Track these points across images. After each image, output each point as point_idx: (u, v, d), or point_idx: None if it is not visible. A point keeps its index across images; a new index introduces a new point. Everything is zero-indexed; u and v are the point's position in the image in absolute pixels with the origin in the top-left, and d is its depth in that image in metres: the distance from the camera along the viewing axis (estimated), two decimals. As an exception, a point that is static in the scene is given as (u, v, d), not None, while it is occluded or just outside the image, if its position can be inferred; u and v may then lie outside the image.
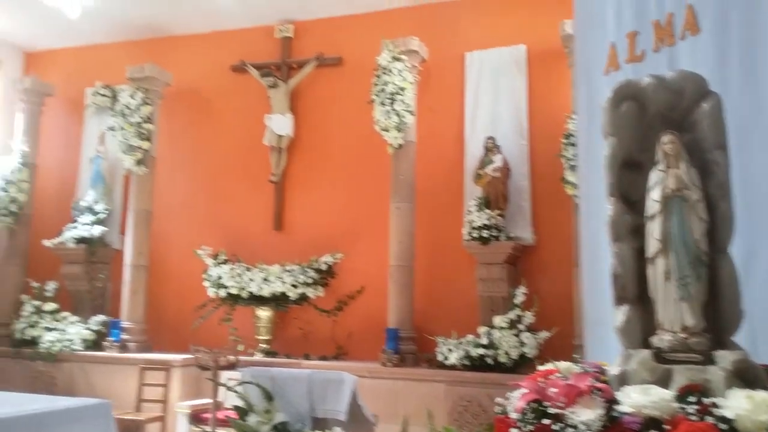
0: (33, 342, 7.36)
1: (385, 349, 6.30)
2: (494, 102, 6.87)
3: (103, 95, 7.94)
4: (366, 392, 4.96)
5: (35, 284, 7.71)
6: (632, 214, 2.18)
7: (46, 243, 7.67)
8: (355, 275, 7.03)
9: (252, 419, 2.91)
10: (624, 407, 1.81)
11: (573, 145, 5.86)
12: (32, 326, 7.48)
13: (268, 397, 2.90)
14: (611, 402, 1.83)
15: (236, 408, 2.96)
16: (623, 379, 2.04)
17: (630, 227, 2.17)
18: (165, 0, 7.35)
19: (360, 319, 6.96)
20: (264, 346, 7.05)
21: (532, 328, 5.96)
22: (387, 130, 6.54)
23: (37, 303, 7.62)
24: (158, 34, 8.09)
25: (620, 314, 2.19)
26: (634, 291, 2.17)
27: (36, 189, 8.13)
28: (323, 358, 6.77)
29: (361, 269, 7.03)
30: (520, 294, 6.08)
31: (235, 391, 2.99)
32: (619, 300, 2.20)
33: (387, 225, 6.67)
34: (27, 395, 4.31)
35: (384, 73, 6.54)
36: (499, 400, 2.07)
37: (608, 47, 3.48)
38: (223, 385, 3.05)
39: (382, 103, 6.50)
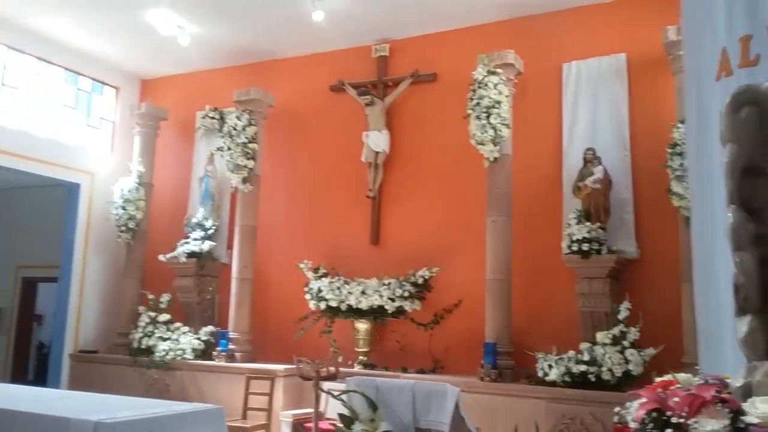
0: (149, 351, 7.83)
1: (483, 364, 6.26)
2: (593, 112, 6.76)
3: (212, 118, 8.40)
4: (464, 407, 4.95)
5: (151, 296, 8.21)
6: (754, 222, 2.11)
7: (161, 257, 8.15)
8: (451, 289, 7.06)
9: (357, 427, 2.98)
10: (750, 418, 1.76)
11: (679, 154, 5.68)
12: (148, 336, 7.96)
13: (373, 406, 2.97)
14: (737, 413, 1.78)
15: (341, 416, 3.05)
16: (747, 392, 1.97)
17: (752, 235, 2.10)
18: (268, 26, 7.72)
19: (457, 333, 6.96)
20: (362, 358, 7.18)
21: (636, 345, 5.76)
22: (483, 144, 6.55)
23: (152, 314, 8.11)
24: (262, 59, 8.50)
25: (743, 325, 2.12)
26: (758, 301, 2.10)
27: (151, 207, 8.69)
28: (420, 371, 6.81)
29: (457, 283, 7.05)
30: (624, 309, 5.89)
31: (341, 400, 3.08)
32: (742, 311, 2.13)
33: (483, 239, 6.65)
34: (147, 400, 4.61)
35: (479, 87, 6.57)
36: (617, 409, 2.05)
37: (719, 52, 3.36)
38: (332, 392, 3.15)
39: (478, 117, 6.52)
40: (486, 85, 6.53)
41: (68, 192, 8.66)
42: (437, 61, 7.63)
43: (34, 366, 11.11)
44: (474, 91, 6.59)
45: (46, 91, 8.27)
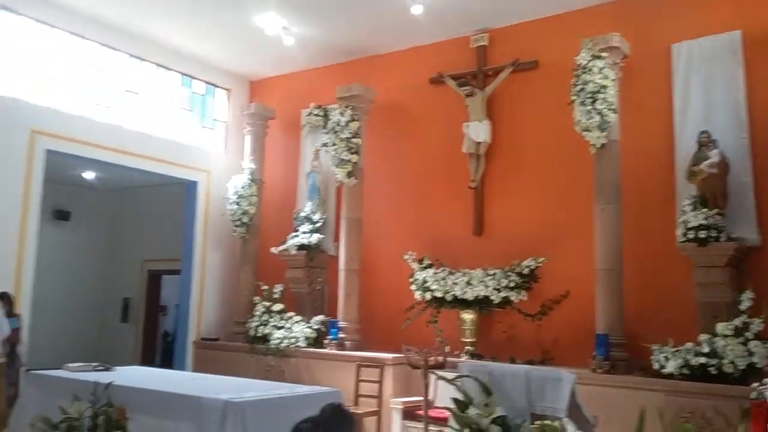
0: (264, 339, 8.26)
1: (595, 356, 6.14)
2: (707, 94, 6.44)
3: (316, 115, 8.70)
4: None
5: (265, 287, 8.64)
6: None
7: (273, 250, 8.56)
8: (559, 279, 6.96)
9: (471, 412, 3.04)
10: None
11: (806, 134, 5.32)
12: (264, 325, 8.39)
13: (487, 391, 3.02)
14: None
15: (455, 401, 3.12)
16: None
17: None
18: (367, 23, 7.89)
19: (566, 324, 6.87)
20: (469, 348, 7.22)
21: (761, 337, 5.47)
22: (588, 131, 6.40)
23: (267, 304, 8.54)
24: (362, 55, 8.70)
25: None
26: None
27: (263, 202, 9.12)
28: (529, 362, 6.73)
29: (565, 273, 6.95)
30: (746, 299, 5.60)
31: (455, 385, 3.16)
32: None
33: (591, 227, 6.51)
34: (270, 382, 4.92)
35: (583, 73, 6.41)
36: (755, 385, 2.01)
37: None
38: (446, 377, 3.23)
39: (583, 103, 6.38)
40: (590, 70, 6.37)
41: (187, 190, 9.25)
42: (538, 48, 7.51)
43: (160, 353, 11.94)
44: (578, 76, 6.44)
45: (164, 95, 8.86)
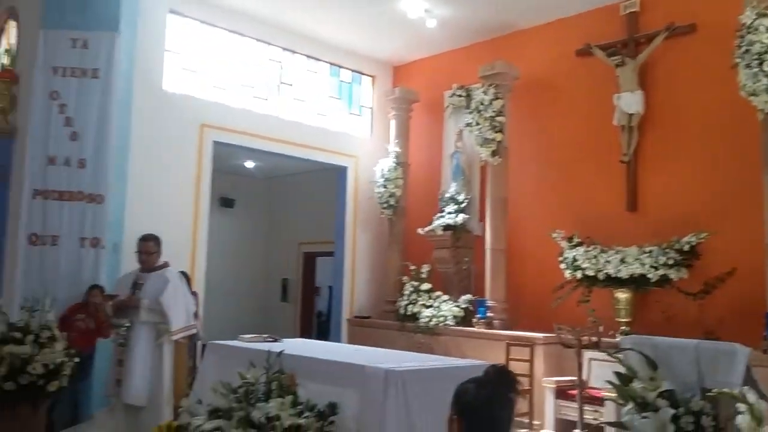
0: (414, 317, 8.50)
1: (766, 336, 5.72)
2: None
3: (459, 96, 8.75)
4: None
5: (412, 267, 8.88)
6: None
7: (419, 231, 8.75)
8: (723, 255, 6.51)
9: (636, 386, 2.98)
10: None
11: None
12: (412, 303, 8.64)
13: (652, 364, 2.94)
14: None
15: (618, 375, 3.08)
16: None
17: None
18: (508, -1, 7.80)
19: (732, 303, 6.42)
20: (624, 327, 6.97)
21: None
22: (755, 95, 5.91)
23: (415, 283, 8.77)
24: (504, 32, 8.60)
25: None
26: None
27: (408, 184, 9.34)
28: (691, 342, 6.43)
29: (730, 249, 6.49)
30: None
31: (617, 358, 3.11)
32: None
33: (759, 200, 6.03)
34: (426, 355, 5.12)
35: (748, 33, 5.92)
36: None
37: None
38: (612, 352, 3.18)
39: (748, 66, 5.89)
40: (756, 29, 5.86)
41: (337, 175, 9.68)
42: (695, 10, 7.03)
43: (315, 331, 12.63)
44: (742, 37, 5.96)
45: (314, 85, 9.31)
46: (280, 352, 3.92)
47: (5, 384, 5.45)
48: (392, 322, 8.78)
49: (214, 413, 3.96)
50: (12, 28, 8.01)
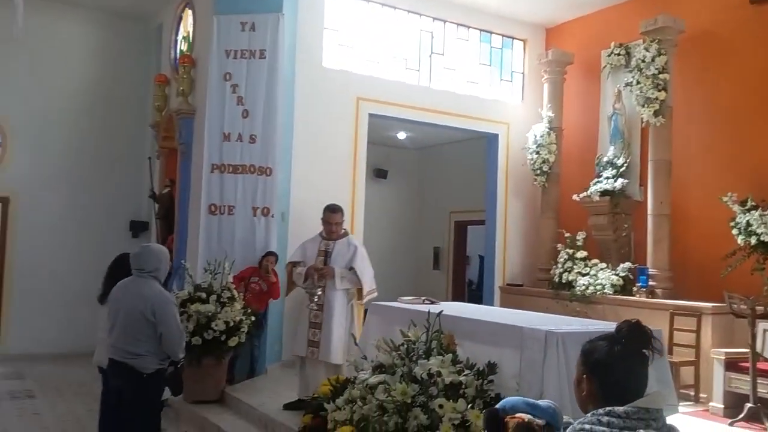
0: (569, 285, 8.35)
1: None
2: None
3: (618, 54, 8.34)
4: None
5: (567, 234, 8.69)
6: None
7: (575, 197, 8.53)
8: None
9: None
10: None
11: None
12: (567, 271, 8.47)
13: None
14: None
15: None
16: None
17: None
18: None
19: None
20: (807, 299, 6.41)
21: None
22: None
23: (569, 251, 8.59)
24: (667, -17, 8.04)
25: None
26: None
27: (562, 149, 9.11)
28: None
29: None
30: None
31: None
32: None
33: None
34: (587, 319, 5.10)
35: None
36: None
37: None
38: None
39: None
40: None
41: (488, 142, 9.64)
42: None
43: (467, 299, 12.78)
44: None
45: (465, 54, 9.29)
46: (440, 313, 4.09)
47: (192, 339, 6.15)
48: (546, 290, 8.68)
49: (378, 368, 4.23)
50: (188, 16, 8.79)
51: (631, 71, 7.76)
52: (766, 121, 7.14)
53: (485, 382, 3.74)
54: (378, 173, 12.39)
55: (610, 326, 4.18)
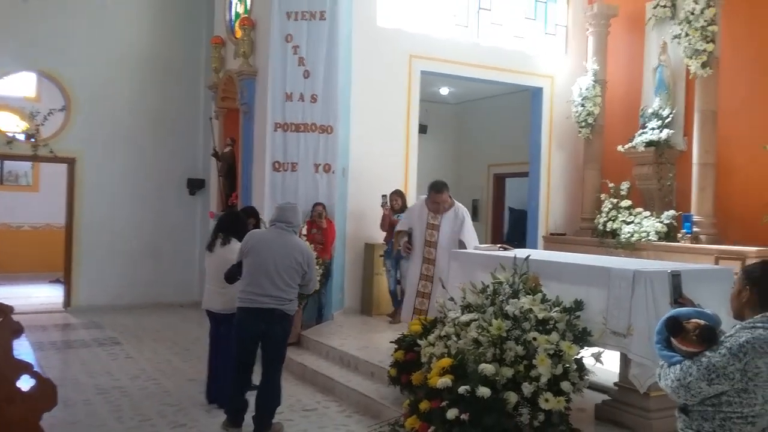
0: (613, 233, 8.70)
1: None
2: None
3: (664, 6, 8.47)
4: None
5: (611, 184, 9.00)
6: None
7: (620, 148, 8.80)
8: None
9: None
10: None
11: None
12: (612, 220, 8.81)
13: None
14: None
15: None
16: None
17: None
18: None
19: None
20: None
21: None
22: None
23: (613, 200, 8.91)
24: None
25: None
26: None
27: (606, 102, 9.34)
28: None
29: None
30: None
31: None
32: None
33: None
34: (666, 262, 5.45)
35: None
36: None
37: None
38: None
39: None
40: None
41: (533, 96, 9.88)
42: None
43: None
44: None
45: (511, 8, 9.43)
46: (528, 257, 4.49)
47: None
48: (590, 239, 9.04)
49: (467, 308, 4.65)
50: (242, -22, 9.01)
51: (679, 23, 7.92)
52: (813, 70, 7.34)
53: (573, 317, 4.15)
54: (420, 129, 12.62)
55: (689, 266, 4.57)
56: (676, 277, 2.62)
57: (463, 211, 6.17)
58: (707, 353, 2.16)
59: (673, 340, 2.27)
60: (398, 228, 6.48)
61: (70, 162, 9.85)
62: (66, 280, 10.03)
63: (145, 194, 10.27)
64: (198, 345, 7.55)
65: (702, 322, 2.27)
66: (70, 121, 9.80)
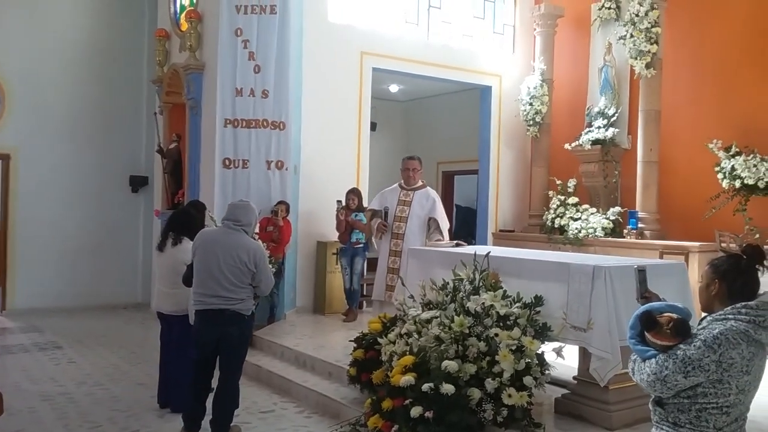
0: (561, 229, 8.88)
1: None
2: None
3: (609, 8, 8.69)
4: None
5: (558, 181, 9.19)
6: None
7: (566, 146, 8.98)
8: None
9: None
10: None
11: None
12: (559, 217, 8.99)
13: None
14: None
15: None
16: None
17: None
18: None
19: None
20: (786, 236, 7.06)
21: None
22: None
23: (561, 197, 9.10)
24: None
25: None
26: None
27: (553, 101, 9.52)
28: None
29: None
30: None
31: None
32: None
33: None
34: (621, 257, 5.57)
35: None
36: None
37: None
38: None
39: None
40: None
41: (481, 94, 9.98)
42: None
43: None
44: None
45: (460, 7, 9.47)
46: (488, 253, 4.50)
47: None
48: (538, 235, 9.20)
49: (428, 305, 4.64)
50: (190, -30, 8.75)
51: (624, 25, 8.13)
52: (750, 71, 7.65)
53: (533, 312, 4.19)
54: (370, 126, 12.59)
55: (643, 261, 4.68)
56: (641, 273, 2.65)
57: (434, 194, 6.26)
58: (681, 346, 2.19)
59: (647, 334, 2.30)
60: (369, 207, 6.51)
61: (5, 158, 9.38)
62: (1, 281, 9.55)
63: (85, 192, 9.89)
64: (145, 348, 7.31)
65: (675, 315, 2.30)
66: (4, 115, 9.32)
